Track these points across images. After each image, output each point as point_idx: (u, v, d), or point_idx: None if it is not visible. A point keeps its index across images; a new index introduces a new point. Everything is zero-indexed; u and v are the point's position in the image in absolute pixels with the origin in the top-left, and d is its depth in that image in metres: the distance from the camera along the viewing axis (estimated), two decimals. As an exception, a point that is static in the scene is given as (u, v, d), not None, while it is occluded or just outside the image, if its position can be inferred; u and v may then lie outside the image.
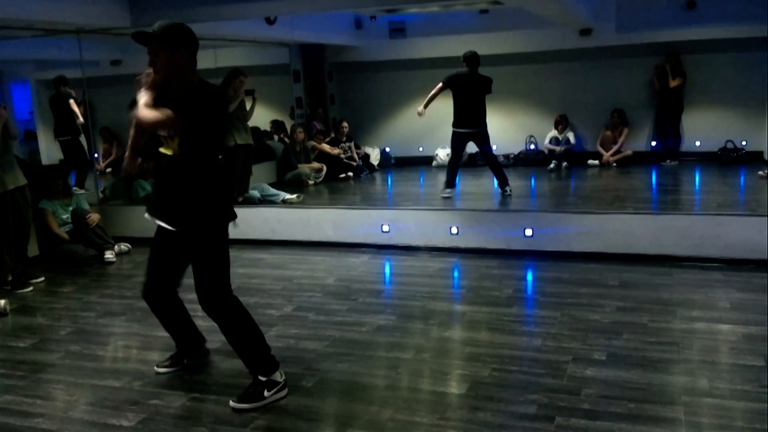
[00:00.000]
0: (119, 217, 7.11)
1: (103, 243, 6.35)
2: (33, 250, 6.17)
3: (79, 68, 7.90)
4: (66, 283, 5.72)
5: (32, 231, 5.84)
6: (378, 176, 10.62)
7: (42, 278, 5.77)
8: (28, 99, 10.66)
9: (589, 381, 3.41)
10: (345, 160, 10.31)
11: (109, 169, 8.11)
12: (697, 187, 8.52)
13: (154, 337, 4.35)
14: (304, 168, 9.77)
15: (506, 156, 10.66)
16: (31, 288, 5.56)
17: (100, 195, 7.61)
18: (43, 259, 6.41)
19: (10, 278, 5.52)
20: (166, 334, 4.33)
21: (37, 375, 3.83)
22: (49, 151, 10.53)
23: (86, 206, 6.56)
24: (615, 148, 10.07)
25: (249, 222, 6.86)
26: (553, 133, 10.29)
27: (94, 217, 6.42)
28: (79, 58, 7.50)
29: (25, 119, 10.39)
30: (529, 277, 5.49)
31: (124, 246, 6.57)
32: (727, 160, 9.50)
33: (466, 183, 7.98)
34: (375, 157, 11.16)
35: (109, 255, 6.29)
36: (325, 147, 10.25)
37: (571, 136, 10.23)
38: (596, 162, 10.11)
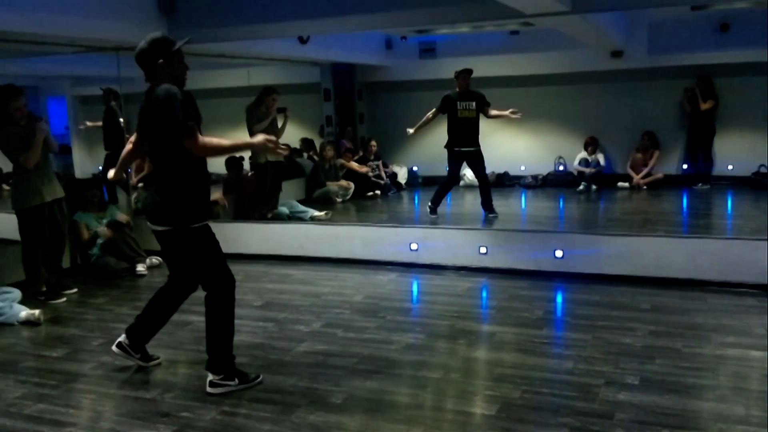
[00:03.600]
0: (151, 230, 7.18)
1: (135, 256, 6.44)
2: (66, 261, 6.27)
3: (117, 84, 8.08)
4: (98, 295, 5.80)
5: (66, 243, 5.94)
6: (405, 195, 10.65)
7: (75, 289, 5.86)
8: (64, 114, 10.93)
9: (622, 405, 3.36)
10: (373, 179, 10.37)
11: (140, 184, 8.24)
12: (729, 211, 8.40)
13: (185, 350, 4.39)
14: (333, 185, 9.83)
15: (534, 177, 10.63)
16: (64, 299, 5.65)
17: (133, 207, 7.72)
18: (76, 271, 6.51)
19: (44, 289, 5.61)
20: (196, 347, 4.39)
21: (69, 385, 3.88)
22: (83, 164, 10.76)
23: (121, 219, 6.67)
24: (645, 170, 9.98)
25: (278, 238, 6.93)
26: (583, 154, 10.23)
27: (123, 217, 6.53)
28: (116, 74, 7.66)
29: (61, 134, 10.65)
30: (560, 298, 5.44)
31: (155, 259, 6.64)
32: (760, 184, 9.35)
33: (495, 203, 7.94)
34: (402, 175, 11.20)
35: (140, 268, 6.38)
36: (354, 165, 10.32)
37: (601, 157, 10.16)
38: (626, 184, 10.02)
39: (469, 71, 7.83)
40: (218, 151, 3.64)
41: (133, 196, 7.98)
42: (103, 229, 6.42)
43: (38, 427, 3.35)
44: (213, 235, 3.72)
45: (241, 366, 3.86)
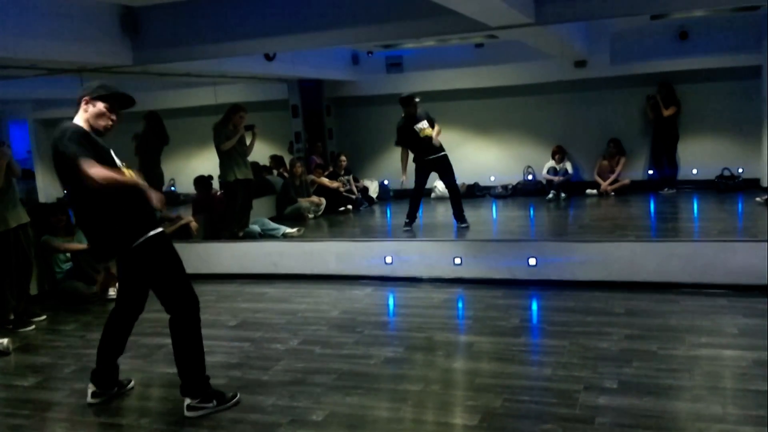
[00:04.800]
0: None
1: (110, 280, 6.31)
2: (34, 288, 6.12)
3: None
4: (68, 321, 5.67)
5: (33, 270, 5.81)
6: (377, 209, 10.65)
7: (44, 316, 5.73)
8: (26, 138, 10.72)
9: (602, 410, 3.38)
10: (344, 194, 10.35)
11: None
12: (696, 215, 8.56)
13: (159, 373, 4.31)
14: (304, 202, 9.79)
15: (504, 187, 10.71)
16: (33, 326, 5.51)
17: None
18: (45, 297, 6.37)
19: (12, 317, 5.47)
20: (170, 369, 4.30)
21: (42, 414, 3.78)
22: (47, 189, 10.55)
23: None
24: (612, 177, 10.13)
25: (251, 256, 6.86)
26: (551, 163, 10.36)
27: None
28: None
29: (23, 158, 10.44)
30: (535, 306, 5.47)
31: (126, 282, 6.52)
32: (725, 187, 9.55)
33: (466, 214, 7.98)
34: (374, 190, 11.20)
35: (111, 292, 6.24)
36: (324, 181, 10.29)
37: (568, 166, 10.29)
38: (594, 191, 10.16)
39: (414, 97, 7.93)
40: (110, 182, 3.41)
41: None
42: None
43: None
44: (171, 248, 3.69)
45: (218, 387, 3.80)
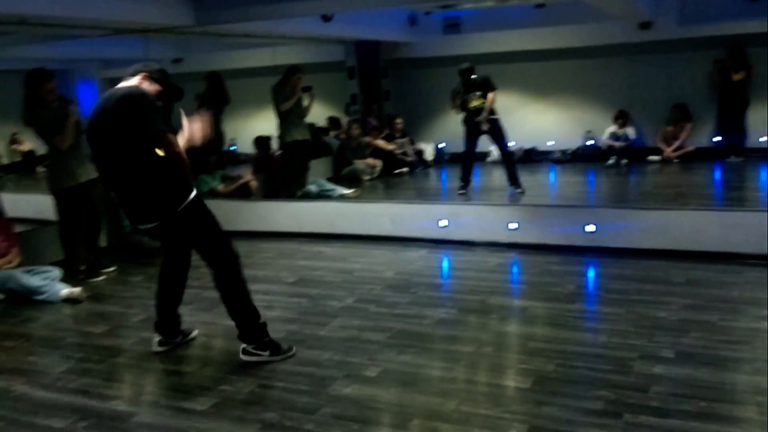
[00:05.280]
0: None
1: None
2: (103, 240, 6.39)
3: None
4: (135, 273, 5.92)
5: (103, 223, 6.06)
6: (432, 172, 10.63)
7: (113, 268, 5.98)
8: (94, 96, 11.07)
9: (657, 378, 3.36)
10: (400, 156, 10.36)
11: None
12: (763, 184, 8.25)
13: (221, 325, 4.47)
14: (360, 164, 9.85)
15: (563, 152, 10.53)
16: (103, 277, 5.77)
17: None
18: (113, 250, 6.64)
19: (83, 267, 5.74)
20: (231, 322, 4.47)
21: (111, 359, 3.99)
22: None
23: None
24: (677, 143, 9.83)
25: (308, 216, 6.99)
26: (612, 128, 10.11)
27: None
28: (143, 56, 7.73)
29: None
30: (591, 273, 5.42)
31: (188, 238, 6.75)
32: (795, 156, 9.17)
33: (524, 179, 7.90)
34: (429, 152, 11.17)
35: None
36: (380, 143, 10.32)
37: (630, 131, 10.03)
38: (657, 158, 9.89)
39: (472, 71, 7.89)
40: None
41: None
42: None
43: (84, 400, 3.45)
44: (207, 209, 3.75)
45: (277, 340, 3.92)
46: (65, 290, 5.14)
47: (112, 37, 7.96)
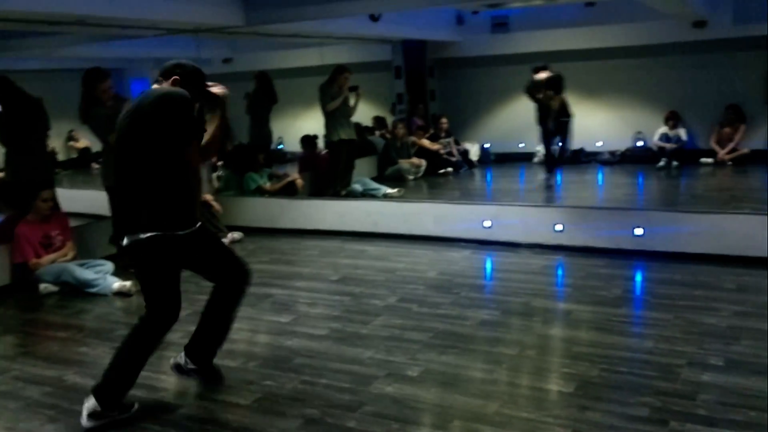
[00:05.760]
0: (231, 207, 7.44)
1: (217, 231, 6.66)
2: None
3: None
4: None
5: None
6: (477, 172, 10.58)
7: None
8: (147, 95, 11.35)
9: (705, 386, 3.28)
10: (444, 156, 10.34)
11: (221, 162, 8.52)
12: (823, 189, 7.95)
13: (266, 321, 4.56)
14: (404, 163, 9.87)
15: (612, 153, 10.35)
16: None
17: (215, 186, 7.98)
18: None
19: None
20: (277, 318, 4.55)
21: (160, 352, 4.04)
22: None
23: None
24: (731, 145, 9.56)
25: (352, 215, 7.03)
26: (664, 129, 9.88)
27: (207, 196, 6.77)
28: (195, 56, 7.89)
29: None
30: (639, 277, 5.32)
31: (236, 234, 6.89)
32: None
33: (571, 180, 7.81)
34: (474, 153, 11.12)
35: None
36: (425, 143, 10.32)
37: (682, 132, 9.79)
38: (710, 160, 9.63)
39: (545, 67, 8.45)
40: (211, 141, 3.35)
41: (215, 175, 8.24)
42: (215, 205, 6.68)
43: (133, 391, 3.53)
44: (174, 254, 3.24)
45: (320, 338, 3.95)
46: (116, 284, 5.29)
47: (165, 37, 8.13)
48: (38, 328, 4.90)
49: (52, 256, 5.58)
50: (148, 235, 3.13)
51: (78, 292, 5.35)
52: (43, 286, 5.43)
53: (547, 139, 8.80)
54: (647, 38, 9.94)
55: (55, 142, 10.36)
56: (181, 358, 3.60)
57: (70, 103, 5.77)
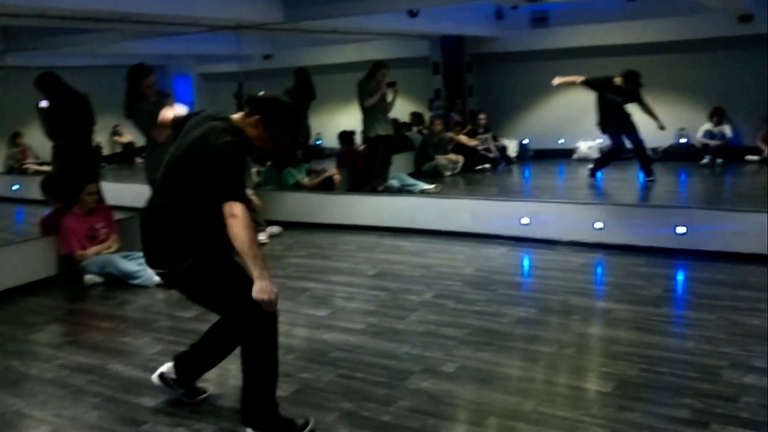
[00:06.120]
0: (270, 201, 7.52)
1: (256, 226, 6.73)
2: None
3: (236, 62, 8.43)
4: (222, 262, 6.13)
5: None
6: (515, 168, 10.50)
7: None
8: (189, 90, 11.56)
9: (748, 389, 3.21)
10: (482, 152, 10.28)
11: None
12: None
13: (303, 314, 4.61)
14: (442, 159, 9.84)
15: (654, 149, 10.12)
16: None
17: (255, 181, 8.08)
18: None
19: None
20: (314, 312, 4.59)
21: (200, 343, 4.16)
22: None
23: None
24: (778, 143, 9.29)
25: (389, 210, 7.05)
26: (707, 126, 9.66)
27: (257, 201, 6.87)
28: (236, 52, 8.00)
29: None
30: (681, 276, 5.22)
31: (275, 229, 6.98)
32: None
33: (611, 177, 7.70)
34: (513, 149, 11.03)
35: (262, 237, 6.69)
36: (463, 139, 10.27)
37: (727, 129, 9.55)
38: (756, 158, 9.38)
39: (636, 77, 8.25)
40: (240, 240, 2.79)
41: (254, 170, 8.34)
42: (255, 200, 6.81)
43: (174, 381, 3.63)
44: (223, 265, 3.05)
45: (356, 332, 3.97)
46: (158, 276, 5.39)
47: (207, 33, 8.25)
48: (83, 318, 5.05)
49: (96, 248, 5.73)
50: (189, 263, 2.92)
51: (121, 283, 5.49)
52: (89, 277, 5.58)
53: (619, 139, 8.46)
54: (691, 33, 9.71)
55: (101, 137, 10.62)
56: (167, 367, 3.36)
57: (115, 99, 5.90)
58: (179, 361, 3.33)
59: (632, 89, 8.11)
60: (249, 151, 3.04)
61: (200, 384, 3.43)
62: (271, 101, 3.02)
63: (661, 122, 8.26)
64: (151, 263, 3.13)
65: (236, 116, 2.99)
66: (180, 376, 3.32)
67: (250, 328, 2.95)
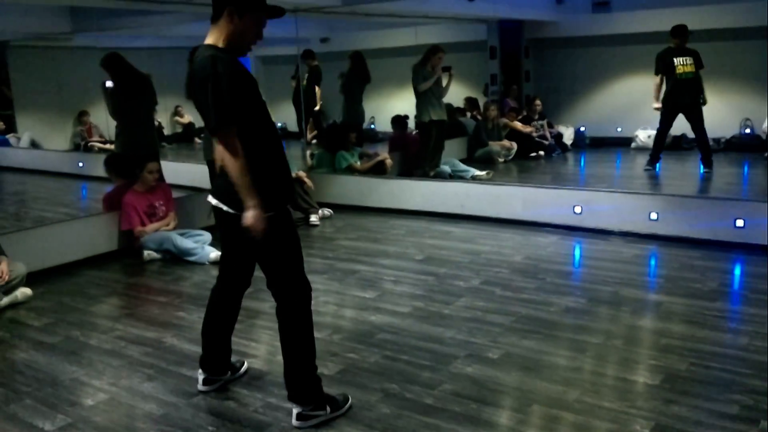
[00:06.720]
0: (323, 184, 7.63)
1: (308, 207, 6.87)
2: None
3: (293, 45, 8.52)
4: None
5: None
6: (571, 156, 10.33)
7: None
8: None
9: (802, 387, 3.13)
10: (537, 139, 10.14)
11: (314, 141, 8.73)
12: None
13: (351, 296, 4.68)
14: (495, 145, 9.76)
15: (716, 140, 9.82)
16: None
17: (309, 164, 8.20)
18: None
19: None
20: (362, 294, 4.66)
21: (251, 320, 4.29)
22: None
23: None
24: None
25: (440, 196, 7.05)
26: (775, 116, 9.28)
27: (301, 174, 6.98)
28: (294, 35, 8.09)
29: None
30: (738, 271, 5.07)
31: (327, 211, 7.08)
32: None
33: (669, 167, 7.51)
34: (569, 136, 10.85)
35: (314, 218, 6.80)
36: (517, 125, 10.15)
37: (795, 120, 9.16)
38: (824, 150, 8.98)
39: (685, 29, 7.86)
40: (230, 160, 2.77)
41: (308, 152, 8.46)
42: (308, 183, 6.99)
43: (225, 355, 3.75)
44: (291, 226, 3.05)
45: (403, 316, 4.01)
46: (213, 253, 5.56)
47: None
48: (140, 291, 5.25)
49: (155, 225, 5.93)
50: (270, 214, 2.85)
51: (178, 259, 5.68)
52: (147, 253, 5.78)
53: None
54: (758, 19, 9.29)
55: (162, 117, 10.93)
56: (200, 376, 3.41)
57: (177, 80, 6.05)
58: (204, 364, 3.38)
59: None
60: (235, 64, 2.84)
61: (237, 359, 3.53)
62: None
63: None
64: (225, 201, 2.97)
65: (210, 36, 2.87)
66: (213, 372, 3.38)
67: (293, 297, 3.02)
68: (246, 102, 2.83)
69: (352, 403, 3.15)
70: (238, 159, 2.76)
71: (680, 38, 7.80)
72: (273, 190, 2.91)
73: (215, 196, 3.01)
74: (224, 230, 3.12)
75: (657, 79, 7.91)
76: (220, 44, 2.85)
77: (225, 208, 2.95)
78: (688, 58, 7.71)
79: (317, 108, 9.60)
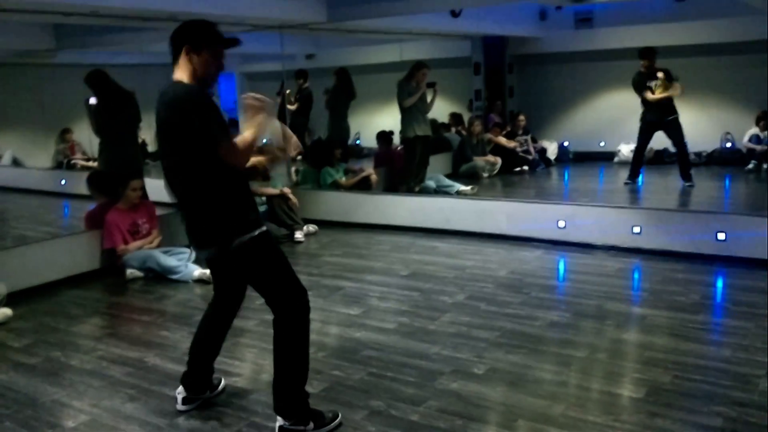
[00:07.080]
0: (308, 200, 7.61)
1: (293, 224, 6.85)
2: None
3: (279, 62, 8.55)
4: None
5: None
6: (554, 171, 10.39)
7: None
8: (233, 90, 11.75)
9: (785, 399, 3.15)
10: (521, 154, 10.21)
11: (299, 157, 8.72)
12: None
13: (336, 312, 4.66)
14: (479, 160, 9.81)
15: (698, 154, 9.93)
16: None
17: (293, 180, 8.18)
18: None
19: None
20: (347, 311, 4.64)
21: (235, 339, 4.25)
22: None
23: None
24: (829, 148, 9.01)
25: (425, 211, 7.06)
26: (754, 130, 9.41)
27: (285, 190, 6.96)
28: (279, 52, 8.11)
29: (230, 108, 11.48)
30: (720, 283, 5.12)
31: (312, 227, 7.06)
32: None
33: (652, 181, 7.58)
34: (552, 151, 10.93)
35: (298, 235, 6.78)
36: (502, 140, 10.22)
37: (775, 134, 9.29)
38: (804, 164, 9.11)
39: (653, 50, 8.14)
40: (242, 156, 2.94)
41: (293, 168, 8.45)
42: (293, 200, 6.94)
43: (208, 373, 3.71)
44: (272, 246, 3.09)
45: (387, 332, 4.01)
46: (197, 271, 5.53)
47: (251, 33, 8.38)
48: (123, 311, 5.20)
49: (138, 243, 5.89)
50: (243, 238, 2.93)
51: (161, 278, 5.64)
52: (130, 272, 5.73)
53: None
54: (739, 35, 9.46)
55: (146, 134, 10.87)
56: (180, 392, 3.39)
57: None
58: (186, 382, 3.37)
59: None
60: (203, 94, 2.93)
61: (215, 377, 3.50)
62: (180, 29, 2.98)
63: None
64: (198, 245, 3.12)
65: (175, 74, 2.97)
66: (194, 389, 3.37)
67: (288, 313, 3.02)
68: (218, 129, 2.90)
69: (341, 421, 3.13)
70: (241, 152, 2.91)
71: (649, 59, 8.04)
72: (237, 216, 2.97)
73: (190, 243, 3.20)
74: (210, 265, 3.33)
75: (648, 93, 8.05)
76: (186, 80, 2.94)
77: (205, 252, 3.11)
78: (658, 81, 7.95)
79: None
